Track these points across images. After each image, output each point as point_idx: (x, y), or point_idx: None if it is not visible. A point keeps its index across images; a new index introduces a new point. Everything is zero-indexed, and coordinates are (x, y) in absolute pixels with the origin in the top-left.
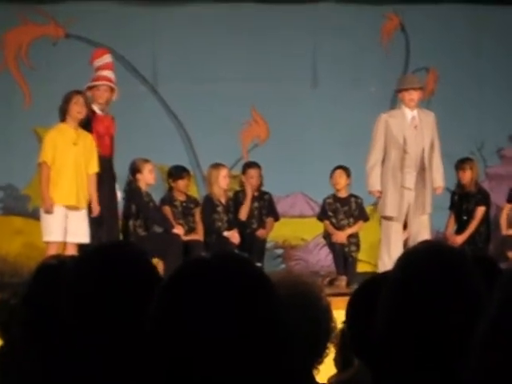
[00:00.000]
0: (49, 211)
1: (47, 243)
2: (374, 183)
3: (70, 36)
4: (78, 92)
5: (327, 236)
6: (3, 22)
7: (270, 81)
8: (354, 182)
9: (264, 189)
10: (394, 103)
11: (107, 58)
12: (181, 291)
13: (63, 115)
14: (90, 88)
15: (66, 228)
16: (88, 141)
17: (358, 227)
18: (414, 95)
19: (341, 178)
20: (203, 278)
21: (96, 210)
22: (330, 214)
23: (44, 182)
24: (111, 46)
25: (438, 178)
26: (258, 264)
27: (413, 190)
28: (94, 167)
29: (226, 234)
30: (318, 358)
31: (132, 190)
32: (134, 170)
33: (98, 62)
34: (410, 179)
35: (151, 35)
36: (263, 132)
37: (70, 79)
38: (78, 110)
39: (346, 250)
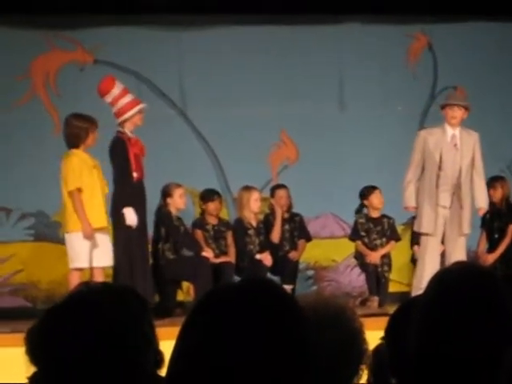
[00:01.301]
0: (90, 236)
1: (72, 270)
2: (409, 199)
3: (97, 61)
4: (92, 121)
5: (359, 256)
6: (31, 49)
7: (298, 102)
8: (385, 202)
9: (294, 210)
10: (422, 123)
11: (119, 85)
12: (209, 317)
13: (78, 143)
14: (125, 120)
15: (92, 253)
16: (98, 164)
17: (390, 247)
18: (457, 113)
19: (381, 198)
20: (231, 303)
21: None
22: (363, 233)
23: (81, 208)
24: (138, 71)
25: (481, 199)
26: (291, 286)
27: (448, 209)
28: (107, 189)
29: (258, 256)
30: (351, 380)
31: (162, 214)
32: (165, 194)
33: (113, 94)
34: (445, 197)
35: (178, 59)
36: (292, 153)
37: (98, 105)
38: (95, 139)
39: (379, 270)
